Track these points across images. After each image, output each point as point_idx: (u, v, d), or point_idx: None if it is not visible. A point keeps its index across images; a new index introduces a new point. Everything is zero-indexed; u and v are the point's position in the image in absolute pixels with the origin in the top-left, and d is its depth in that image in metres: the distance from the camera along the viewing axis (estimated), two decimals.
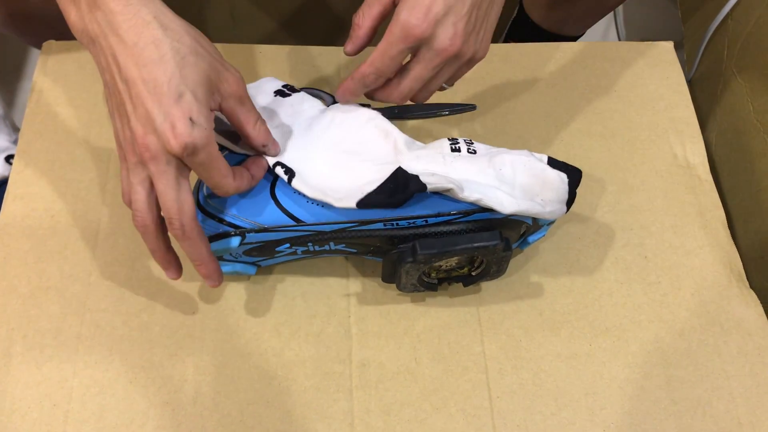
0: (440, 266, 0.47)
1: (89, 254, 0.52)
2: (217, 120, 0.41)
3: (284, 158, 0.45)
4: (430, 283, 0.49)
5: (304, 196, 0.44)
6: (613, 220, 0.56)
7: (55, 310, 0.49)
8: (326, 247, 0.46)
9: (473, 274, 0.49)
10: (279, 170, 0.44)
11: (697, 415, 0.48)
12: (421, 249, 0.44)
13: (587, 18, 0.84)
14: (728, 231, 0.56)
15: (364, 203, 0.42)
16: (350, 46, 0.45)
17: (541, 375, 0.49)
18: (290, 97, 0.48)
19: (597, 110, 0.61)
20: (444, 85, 0.47)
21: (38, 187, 0.54)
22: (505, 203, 0.44)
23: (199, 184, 0.46)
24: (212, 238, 0.45)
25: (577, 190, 0.47)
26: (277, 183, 0.45)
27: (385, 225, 0.44)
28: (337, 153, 0.45)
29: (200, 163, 0.39)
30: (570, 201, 0.47)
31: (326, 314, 0.51)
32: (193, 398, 0.47)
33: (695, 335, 0.51)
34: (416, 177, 0.43)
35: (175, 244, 0.43)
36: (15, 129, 0.76)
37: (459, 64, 0.44)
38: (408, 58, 0.44)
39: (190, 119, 0.37)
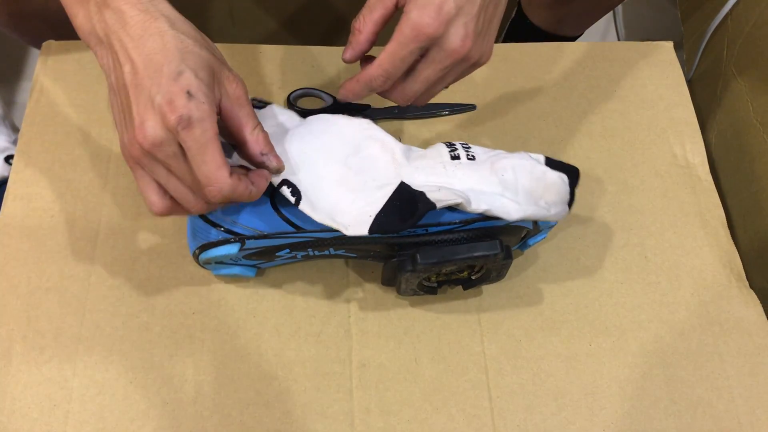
0: (440, 270, 0.47)
1: (89, 254, 0.52)
2: None
3: (288, 173, 0.43)
4: (430, 287, 0.48)
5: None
6: (613, 220, 0.56)
7: (55, 310, 0.49)
8: (326, 252, 0.46)
9: (473, 278, 0.49)
10: (285, 191, 0.43)
11: (696, 415, 0.48)
12: (422, 259, 0.43)
13: (585, 18, 0.84)
14: (728, 231, 0.56)
15: (375, 230, 0.42)
16: (350, 52, 0.43)
17: (541, 375, 0.49)
18: (264, 109, 0.47)
19: (596, 110, 0.61)
20: None
21: (38, 187, 0.54)
22: (511, 211, 0.43)
23: None
24: (212, 245, 0.45)
25: (577, 191, 0.48)
26: (277, 192, 0.45)
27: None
28: (338, 167, 0.45)
29: (195, 142, 0.36)
30: (571, 201, 0.47)
31: (326, 314, 0.51)
32: (193, 398, 0.47)
33: (695, 335, 0.51)
34: (422, 194, 0.42)
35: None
36: (15, 129, 0.76)
37: (465, 66, 0.43)
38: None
39: (188, 92, 0.36)
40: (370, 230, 0.42)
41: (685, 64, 0.75)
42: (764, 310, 0.52)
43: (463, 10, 0.40)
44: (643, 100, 0.62)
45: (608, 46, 0.65)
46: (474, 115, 0.60)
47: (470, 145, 0.47)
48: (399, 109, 0.59)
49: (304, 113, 0.59)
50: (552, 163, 0.47)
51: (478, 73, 0.49)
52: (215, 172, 0.37)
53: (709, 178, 0.58)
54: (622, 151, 0.59)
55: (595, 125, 0.60)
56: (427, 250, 0.44)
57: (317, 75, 0.61)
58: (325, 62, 0.62)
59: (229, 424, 0.46)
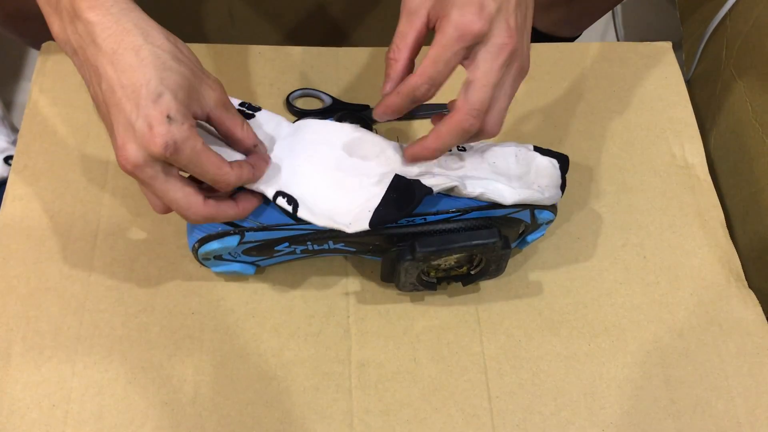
0: (439, 265, 0.47)
1: (88, 255, 0.52)
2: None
3: (281, 184, 0.44)
4: (429, 282, 0.49)
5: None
6: (612, 220, 0.56)
7: (54, 310, 0.49)
8: (325, 246, 0.46)
9: (472, 273, 0.49)
10: (281, 201, 0.43)
11: (696, 415, 0.48)
12: (420, 247, 0.44)
13: (582, 20, 0.84)
14: (727, 231, 0.56)
15: (376, 223, 0.42)
16: (390, 84, 0.41)
17: (540, 375, 0.49)
18: (255, 117, 0.46)
19: (595, 110, 0.61)
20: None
21: (37, 188, 0.54)
22: (506, 194, 0.44)
23: None
24: (211, 238, 0.45)
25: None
26: None
27: None
28: (331, 171, 0.45)
29: (188, 160, 0.37)
30: (563, 186, 0.48)
31: (325, 314, 0.51)
32: (192, 398, 0.47)
33: (694, 335, 0.51)
34: (418, 181, 0.43)
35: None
36: (14, 129, 0.76)
37: (517, 66, 0.41)
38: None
39: (168, 117, 0.36)
40: (371, 223, 0.42)
41: (684, 65, 0.75)
42: (763, 310, 0.53)
43: (502, 7, 0.39)
44: (642, 100, 0.62)
45: (607, 46, 0.65)
46: None
47: None
48: None
49: (303, 114, 0.59)
50: (542, 151, 0.48)
51: None
52: (218, 172, 0.39)
53: (708, 178, 0.58)
54: (621, 152, 0.59)
55: (594, 125, 0.60)
56: (426, 239, 0.44)
57: (317, 75, 0.61)
58: (324, 62, 0.62)
59: (228, 424, 0.46)
